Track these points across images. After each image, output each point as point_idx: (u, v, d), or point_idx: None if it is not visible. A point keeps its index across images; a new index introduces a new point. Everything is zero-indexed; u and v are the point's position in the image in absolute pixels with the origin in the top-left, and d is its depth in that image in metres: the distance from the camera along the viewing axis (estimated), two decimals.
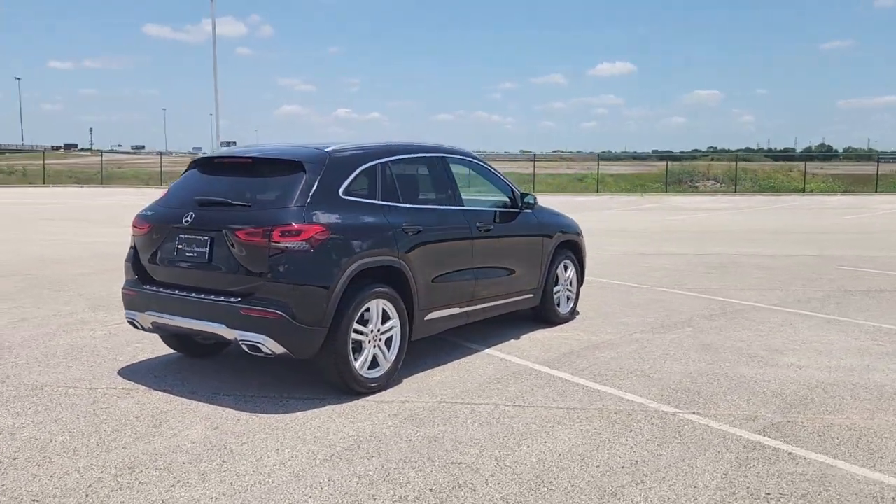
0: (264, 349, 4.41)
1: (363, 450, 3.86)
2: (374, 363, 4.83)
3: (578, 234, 7.18)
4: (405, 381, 5.10)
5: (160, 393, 4.77)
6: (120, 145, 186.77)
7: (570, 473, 3.61)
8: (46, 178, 41.58)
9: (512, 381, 5.12)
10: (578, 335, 6.49)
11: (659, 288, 8.93)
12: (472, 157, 6.39)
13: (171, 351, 5.60)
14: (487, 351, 5.89)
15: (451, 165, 5.85)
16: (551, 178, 44.42)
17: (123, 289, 5.08)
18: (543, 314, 6.76)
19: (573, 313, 7.12)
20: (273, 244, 4.37)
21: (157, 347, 5.68)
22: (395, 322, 4.94)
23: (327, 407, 4.52)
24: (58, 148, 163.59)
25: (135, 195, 28.58)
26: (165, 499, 3.29)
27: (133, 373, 5.20)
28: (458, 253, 5.55)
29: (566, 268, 6.99)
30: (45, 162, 45.63)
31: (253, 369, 5.24)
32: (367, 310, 4.75)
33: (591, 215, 21.55)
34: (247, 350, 4.50)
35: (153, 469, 3.59)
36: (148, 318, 4.87)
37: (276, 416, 4.37)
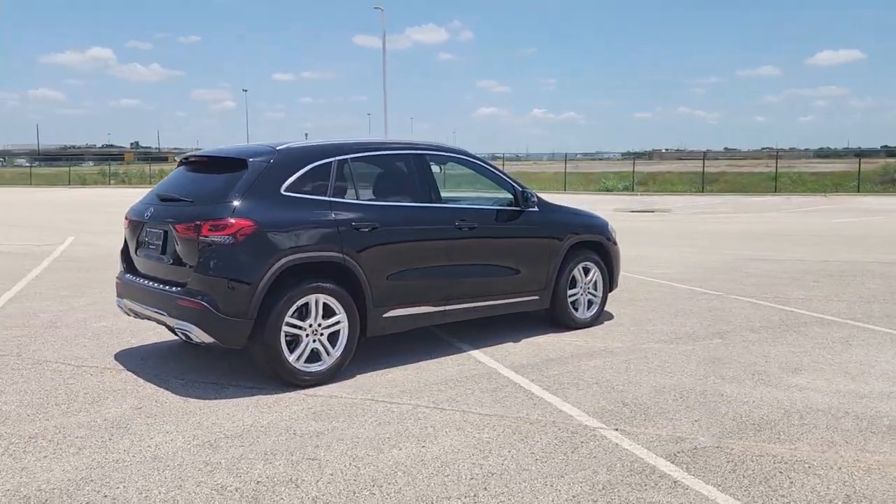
0: (193, 337, 4.67)
1: (240, 439, 3.97)
2: (315, 357, 4.90)
3: (605, 236, 6.79)
4: (358, 376, 5.13)
5: (127, 373, 5.18)
6: None
7: (410, 479, 3.48)
8: None
9: (462, 383, 4.99)
10: (584, 341, 6.16)
11: (733, 296, 8.18)
12: (468, 155, 6.27)
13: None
14: (471, 352, 5.76)
15: (431, 163, 5.77)
16: (739, 176, 41.69)
17: (116, 277, 5.57)
18: (556, 318, 6.48)
19: (596, 318, 6.74)
20: (202, 238, 4.60)
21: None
22: (341, 318, 4.98)
23: (255, 397, 4.68)
24: None
25: None
26: (27, 466, 3.60)
27: (127, 355, 5.67)
28: (430, 251, 5.48)
29: (587, 271, 6.63)
30: None
31: (236, 357, 5.43)
32: (305, 304, 4.82)
33: (749, 217, 20.06)
34: (183, 338, 4.77)
35: (48, 440, 3.94)
36: (127, 305, 5.31)
37: (200, 401, 4.60)
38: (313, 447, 3.86)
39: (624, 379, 5.09)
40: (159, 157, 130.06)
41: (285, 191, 4.90)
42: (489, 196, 6.34)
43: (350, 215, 5.06)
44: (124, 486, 3.38)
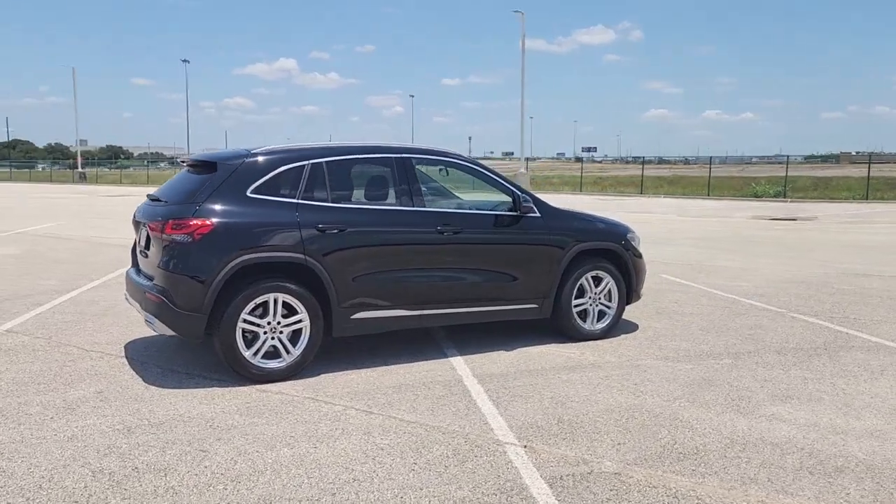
0: (156, 329, 4.98)
1: (158, 427, 4.19)
2: (274, 354, 5.07)
3: (620, 244, 6.44)
4: (322, 375, 5.25)
5: (121, 360, 5.60)
6: (492, 152, 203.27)
7: (271, 478, 3.54)
8: None
9: (413, 389, 4.97)
10: (579, 353, 5.91)
11: (793, 314, 7.50)
12: (462, 159, 6.19)
13: None
14: (453, 358, 5.71)
15: (417, 167, 5.77)
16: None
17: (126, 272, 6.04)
18: (560, 328, 6.26)
19: (609, 330, 6.42)
20: (164, 236, 4.91)
21: None
22: (303, 317, 5.11)
23: (209, 389, 4.92)
24: None
25: None
26: None
27: (139, 343, 6.10)
28: (404, 255, 5.48)
29: (598, 280, 6.35)
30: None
31: None
32: (265, 302, 5.00)
33: (866, 228, 18.12)
34: (151, 329, 5.11)
35: (3, 415, 4.36)
36: (127, 298, 5.75)
37: (159, 389, 4.90)
38: (215, 439, 4.01)
39: (584, 395, 4.84)
40: None
41: (252, 193, 5.09)
42: (497, 201, 6.19)
43: (316, 217, 5.17)
44: (21, 461, 3.69)
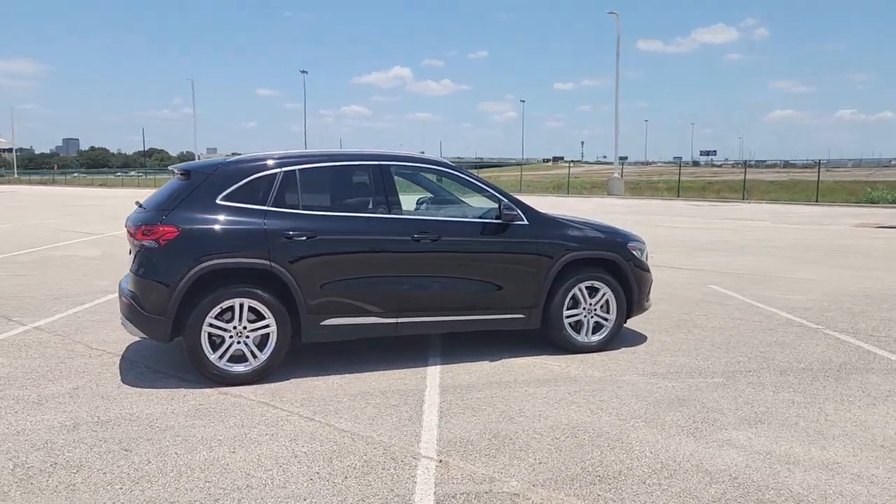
0: (129, 331, 5.21)
1: (103, 425, 4.36)
2: (241, 358, 5.19)
3: (619, 254, 6.17)
4: (292, 380, 5.32)
5: (114, 358, 5.88)
6: (605, 156, 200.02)
7: (173, 479, 3.61)
8: (523, 188, 47.44)
9: (369, 398, 4.95)
10: (564, 366, 5.71)
11: (828, 331, 6.96)
12: (446, 167, 6.12)
13: None
14: (430, 367, 5.66)
15: (395, 175, 5.74)
16: None
17: None
18: (551, 339, 6.08)
19: (607, 343, 6.17)
20: (136, 241, 5.13)
21: None
22: (270, 322, 5.21)
23: (176, 389, 5.08)
24: (547, 160, 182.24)
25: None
26: None
27: (141, 344, 6.37)
28: (376, 262, 5.47)
29: (594, 291, 6.11)
30: (523, 174, 52.00)
31: None
32: (231, 307, 5.13)
33: None
34: (126, 331, 5.34)
35: None
36: None
37: (131, 388, 5.10)
38: (144, 440, 4.14)
39: (538, 411, 4.67)
40: None
41: (222, 200, 5.22)
42: (489, 208, 6.08)
43: (284, 224, 5.24)
44: None
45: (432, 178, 6.26)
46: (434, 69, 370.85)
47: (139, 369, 5.55)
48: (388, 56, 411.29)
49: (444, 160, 6.24)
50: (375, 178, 5.63)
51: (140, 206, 5.60)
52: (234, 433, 4.24)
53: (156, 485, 3.55)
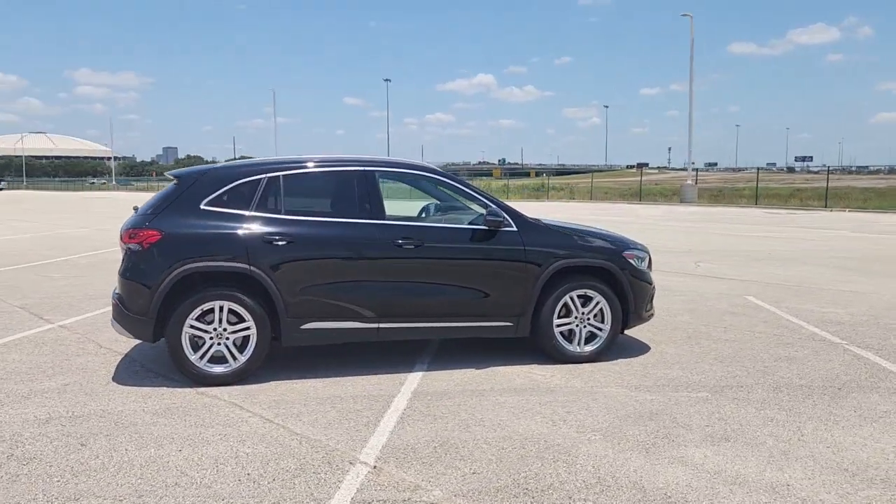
0: (117, 331, 5.42)
1: (74, 420, 4.55)
2: (221, 359, 5.33)
3: (614, 262, 6.01)
4: (269, 383, 5.39)
5: (116, 357, 6.12)
6: (693, 163, 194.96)
7: (112, 474, 3.73)
8: (593, 194, 46.88)
9: (336, 402, 4.98)
10: (548, 376, 5.61)
11: (854, 347, 6.58)
12: (434, 172, 6.10)
13: None
14: (413, 374, 5.64)
15: (380, 180, 5.78)
16: None
17: None
18: (542, 348, 5.98)
19: (600, 353, 6.01)
20: (123, 244, 5.34)
21: None
22: (250, 325, 5.33)
23: (157, 388, 5.25)
24: (631, 167, 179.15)
25: (588, 209, 30.41)
26: None
27: (145, 343, 6.62)
28: (357, 267, 5.51)
29: (587, 300, 5.98)
30: (598, 181, 51.24)
31: None
32: (211, 309, 5.28)
33: None
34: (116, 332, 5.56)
35: None
36: None
37: (118, 385, 5.29)
38: (104, 436, 4.30)
39: (498, 420, 4.61)
40: (522, 172, 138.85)
41: (205, 206, 5.38)
42: (480, 214, 6.03)
43: (264, 229, 5.35)
44: None
45: (427, 184, 6.23)
46: (518, 76, 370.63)
47: (135, 368, 5.76)
48: (472, 63, 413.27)
49: (430, 165, 6.23)
50: (360, 183, 5.67)
51: (135, 210, 5.81)
52: (190, 432, 4.34)
53: (91, 479, 3.67)
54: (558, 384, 5.37)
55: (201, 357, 5.26)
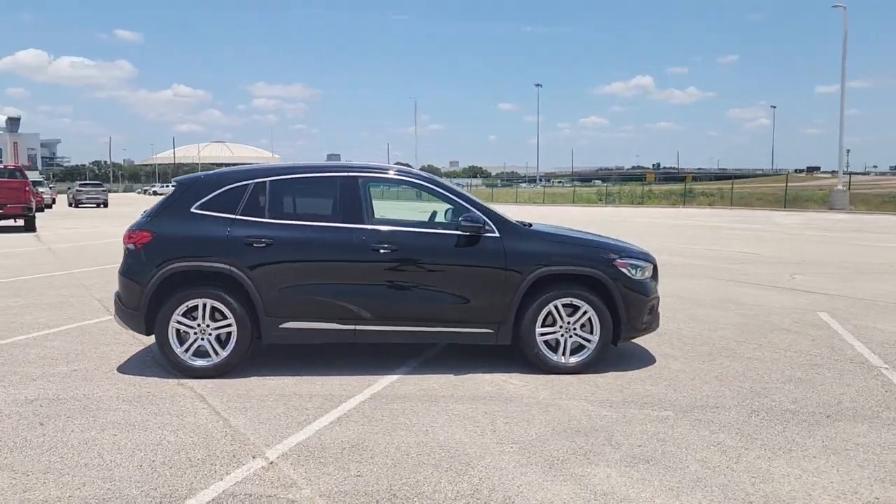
0: (117, 322, 5.92)
1: (53, 402, 5.00)
2: (205, 353, 5.69)
3: (603, 271, 5.78)
4: (249, 378, 5.62)
5: (138, 347, 6.64)
6: (875, 166, 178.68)
7: (40, 452, 4.14)
8: (734, 199, 44.67)
9: (289, 399, 5.15)
10: (516, 385, 5.49)
11: (886, 371, 5.96)
12: (419, 178, 6.14)
13: None
14: (390, 377, 5.67)
15: (364, 186, 5.91)
16: None
17: None
18: (526, 357, 5.88)
19: (588, 365, 5.80)
20: (124, 244, 5.84)
21: None
22: (231, 322, 5.65)
23: (147, 378, 5.67)
24: (800, 171, 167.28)
25: (717, 217, 28.83)
26: None
27: None
28: (334, 270, 5.66)
29: (574, 309, 5.80)
30: (756, 186, 48.59)
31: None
32: (196, 306, 5.65)
33: None
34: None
35: None
36: None
37: (114, 373, 5.75)
38: (65, 418, 4.72)
39: (427, 427, 4.60)
40: (678, 176, 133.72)
41: (196, 209, 5.75)
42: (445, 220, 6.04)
43: (246, 232, 5.65)
44: None
45: (411, 189, 6.29)
46: (678, 77, 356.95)
47: (145, 359, 6.23)
48: (630, 65, 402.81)
49: (416, 171, 6.26)
50: (343, 189, 5.83)
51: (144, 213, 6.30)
52: (140, 419, 4.68)
53: (20, 456, 4.06)
54: (522, 394, 5.25)
55: (186, 350, 5.61)
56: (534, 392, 5.30)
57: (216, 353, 5.63)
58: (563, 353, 5.78)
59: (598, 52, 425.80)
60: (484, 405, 5.00)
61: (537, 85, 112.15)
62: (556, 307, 5.74)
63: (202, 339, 5.63)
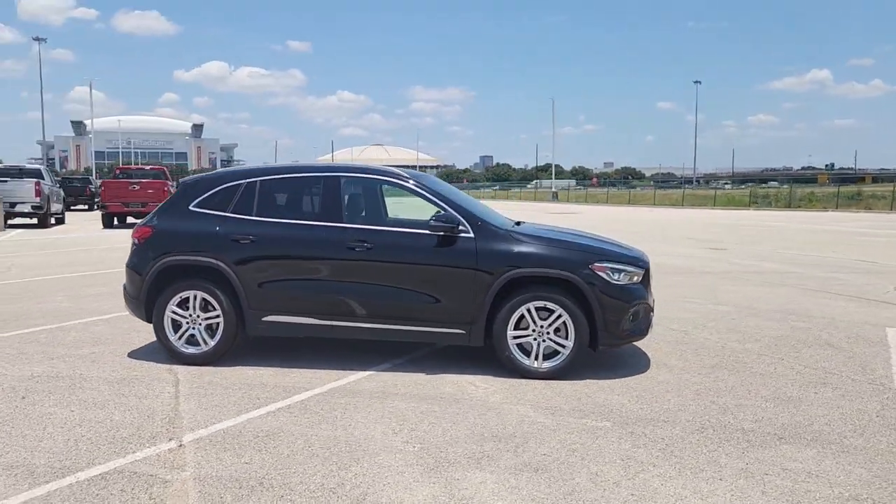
0: (126, 309, 6.46)
1: (45, 378, 5.54)
2: (195, 342, 6.10)
3: (578, 274, 5.57)
4: (238, 368, 5.94)
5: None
6: None
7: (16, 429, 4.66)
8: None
9: (249, 388, 5.38)
10: (478, 387, 5.43)
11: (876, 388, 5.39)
12: (397, 178, 6.16)
13: None
14: (362, 372, 5.79)
15: (345, 185, 6.08)
16: None
17: None
18: (499, 359, 5.83)
19: (562, 371, 5.64)
20: (131, 239, 6.37)
21: None
22: (219, 313, 6.03)
23: (140, 361, 6.17)
24: None
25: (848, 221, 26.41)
26: None
27: None
28: (311, 266, 5.87)
29: (547, 312, 5.68)
30: None
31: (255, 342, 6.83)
32: (188, 297, 6.08)
33: None
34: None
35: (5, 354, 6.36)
36: None
37: (125, 357, 6.32)
38: (47, 394, 5.22)
39: (350, 424, 4.66)
40: (855, 177, 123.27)
41: (194, 207, 6.17)
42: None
43: (233, 229, 5.99)
44: None
45: (392, 189, 6.36)
46: (860, 69, 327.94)
47: (156, 346, 6.69)
48: (804, 59, 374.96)
49: (396, 170, 6.30)
50: (325, 188, 6.03)
51: None
52: (105, 399, 5.10)
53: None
54: (476, 397, 5.21)
55: (179, 338, 6.03)
56: (488, 395, 5.23)
57: (205, 342, 5.99)
58: (536, 358, 5.64)
59: (769, 47, 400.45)
60: (427, 405, 5.00)
61: (696, 82, 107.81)
62: (528, 310, 5.62)
63: (193, 328, 6.01)
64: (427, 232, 5.79)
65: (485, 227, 5.75)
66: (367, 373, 5.79)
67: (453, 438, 4.35)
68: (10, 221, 22.85)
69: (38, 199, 22.08)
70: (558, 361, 5.62)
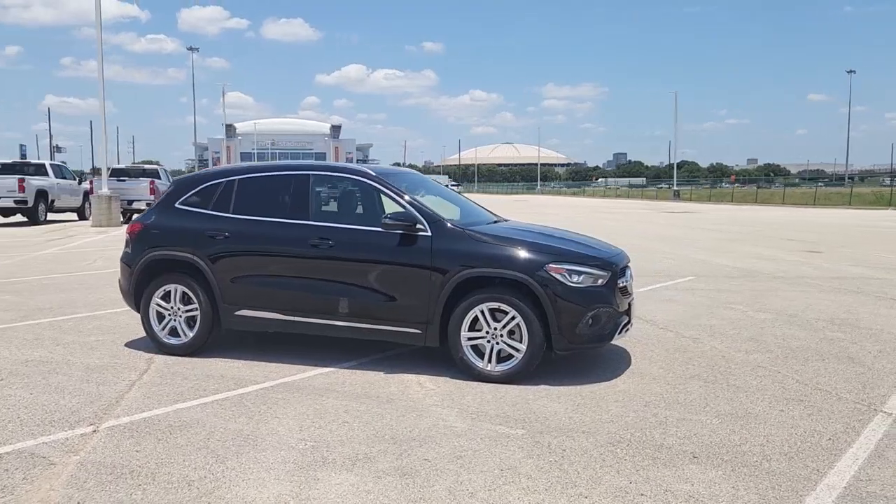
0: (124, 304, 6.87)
1: (36, 363, 5.99)
2: (176, 333, 6.41)
3: (532, 276, 5.36)
4: (215, 359, 6.25)
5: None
6: None
7: None
8: None
9: (208, 380, 5.56)
10: (417, 389, 5.35)
11: (885, 411, 4.88)
12: (364, 177, 6.14)
13: None
14: (320, 369, 5.82)
15: (312, 183, 6.17)
16: None
17: None
18: (455, 360, 5.75)
19: (519, 375, 5.43)
20: (125, 234, 6.77)
21: None
22: (197, 307, 6.31)
23: (139, 352, 6.55)
24: None
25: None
26: None
27: None
28: (277, 262, 6.01)
29: (503, 314, 5.51)
30: None
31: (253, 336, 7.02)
32: (169, 291, 6.39)
33: None
34: None
35: (22, 337, 6.92)
36: None
37: (118, 345, 6.75)
38: (25, 377, 5.62)
39: (264, 417, 4.75)
40: None
41: (179, 205, 6.48)
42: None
43: (209, 225, 6.23)
44: None
45: (359, 187, 6.35)
46: None
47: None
48: None
49: (365, 169, 6.27)
50: (295, 186, 6.14)
51: None
52: (71, 385, 5.43)
53: None
54: (413, 397, 5.15)
55: (163, 329, 6.34)
56: (426, 397, 5.15)
57: (185, 333, 6.26)
58: (490, 361, 5.49)
59: None
60: (358, 404, 4.99)
61: (850, 71, 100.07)
62: (482, 311, 5.48)
63: (174, 320, 6.29)
64: (383, 230, 5.75)
65: (441, 225, 5.66)
66: (328, 370, 5.84)
67: (350, 438, 4.32)
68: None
69: (152, 197, 23.79)
70: (511, 365, 5.44)
